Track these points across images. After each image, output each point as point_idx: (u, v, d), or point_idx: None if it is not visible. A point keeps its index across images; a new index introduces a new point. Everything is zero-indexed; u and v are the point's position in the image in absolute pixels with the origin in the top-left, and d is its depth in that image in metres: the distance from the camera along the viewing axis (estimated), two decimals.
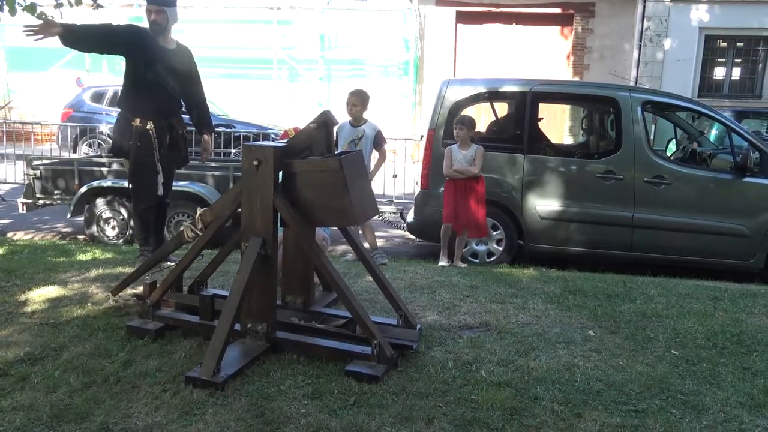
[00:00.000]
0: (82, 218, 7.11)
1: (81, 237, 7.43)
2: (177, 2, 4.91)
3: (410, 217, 6.75)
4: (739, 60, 15.89)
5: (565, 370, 3.19)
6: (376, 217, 5.95)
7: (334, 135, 5.66)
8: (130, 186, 4.98)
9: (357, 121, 5.72)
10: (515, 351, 3.42)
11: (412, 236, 7.26)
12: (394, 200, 8.28)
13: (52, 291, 4.23)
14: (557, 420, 2.72)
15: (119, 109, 5.01)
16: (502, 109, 7.68)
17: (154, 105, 4.84)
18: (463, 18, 16.54)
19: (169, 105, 4.98)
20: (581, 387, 3.02)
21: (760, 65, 15.62)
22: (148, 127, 4.80)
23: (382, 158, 5.92)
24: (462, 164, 5.70)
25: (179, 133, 5.10)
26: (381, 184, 7.75)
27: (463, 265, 5.76)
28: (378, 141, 5.77)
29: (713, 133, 9.46)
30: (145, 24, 4.92)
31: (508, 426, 2.66)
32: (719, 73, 16.04)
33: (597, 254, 6.30)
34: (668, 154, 8.41)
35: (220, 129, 11.02)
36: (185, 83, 5.07)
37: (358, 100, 5.66)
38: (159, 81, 4.83)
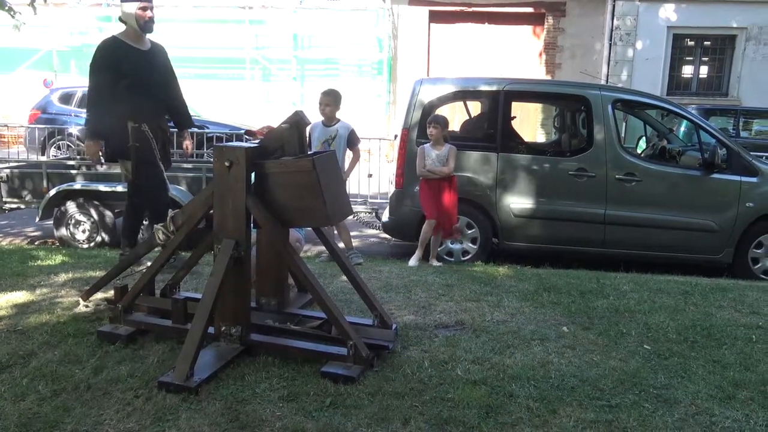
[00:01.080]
0: (51, 222, 6.97)
1: (50, 241, 7.28)
2: None
3: (385, 216, 6.75)
4: (707, 58, 16.23)
5: (539, 367, 3.21)
6: (351, 217, 5.93)
7: (307, 135, 5.62)
8: (136, 182, 4.89)
9: (330, 120, 5.70)
10: (490, 349, 3.43)
11: (387, 236, 7.26)
12: (369, 200, 8.26)
13: (20, 297, 4.14)
14: (532, 417, 2.74)
15: (92, 112, 4.75)
16: (475, 108, 7.71)
17: (143, 108, 4.77)
18: (436, 17, 16.61)
19: (157, 107, 4.92)
20: (556, 383, 3.04)
21: (727, 64, 15.95)
22: (143, 128, 4.74)
23: (357, 157, 5.91)
24: (435, 164, 5.71)
25: (167, 135, 5.07)
26: (356, 183, 7.73)
27: (438, 264, 5.77)
28: (352, 140, 5.75)
29: (682, 131, 9.63)
30: (116, 25, 4.84)
31: (484, 424, 2.67)
32: (687, 71, 16.36)
33: (570, 251, 6.37)
34: (638, 151, 8.53)
35: (193, 129, 10.88)
36: (166, 82, 5.00)
37: (331, 100, 5.64)
38: (142, 85, 4.75)
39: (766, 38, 15.44)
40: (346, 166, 5.80)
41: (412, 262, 5.78)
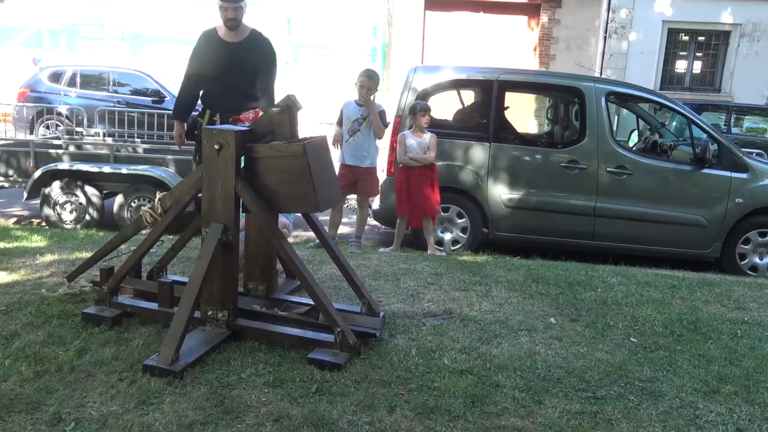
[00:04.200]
0: (38, 201, 6.90)
1: (36, 221, 7.21)
2: None
3: (376, 204, 6.73)
4: (700, 54, 16.24)
5: (526, 358, 3.21)
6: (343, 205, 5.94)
7: (341, 113, 5.82)
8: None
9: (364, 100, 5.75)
10: (478, 338, 3.43)
11: (377, 223, 7.24)
12: None
13: (4, 276, 4.09)
14: (518, 407, 2.74)
15: (178, 95, 5.14)
16: (468, 97, 7.68)
17: (222, 98, 4.82)
18: (431, 5, 16.51)
19: (239, 98, 4.89)
20: (542, 374, 3.04)
21: (720, 59, 15.98)
22: (215, 118, 4.78)
23: (384, 128, 5.99)
24: (417, 152, 5.71)
25: None
26: None
27: (441, 251, 5.77)
28: (382, 119, 5.85)
29: (674, 125, 9.65)
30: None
31: (470, 413, 2.67)
32: (681, 66, 16.37)
33: (560, 243, 6.38)
34: (630, 144, 8.54)
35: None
36: (251, 75, 4.93)
37: (373, 84, 5.73)
38: (223, 75, 4.80)
39: (759, 35, 15.47)
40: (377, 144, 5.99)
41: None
